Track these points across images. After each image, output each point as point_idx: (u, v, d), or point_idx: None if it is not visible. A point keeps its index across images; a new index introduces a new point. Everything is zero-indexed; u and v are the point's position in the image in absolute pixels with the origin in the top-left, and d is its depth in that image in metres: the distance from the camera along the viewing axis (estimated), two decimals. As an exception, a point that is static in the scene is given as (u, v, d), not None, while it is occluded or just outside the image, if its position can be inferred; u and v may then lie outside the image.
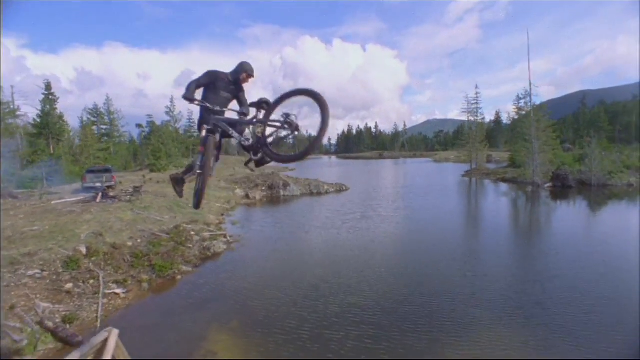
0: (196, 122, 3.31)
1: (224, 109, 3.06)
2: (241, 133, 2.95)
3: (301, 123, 2.75)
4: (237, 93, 3.19)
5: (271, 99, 3.01)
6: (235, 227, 16.36)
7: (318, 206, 22.23)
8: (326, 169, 60.98)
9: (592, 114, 72.86)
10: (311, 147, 2.64)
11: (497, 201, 24.51)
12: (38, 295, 7.71)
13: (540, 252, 12.28)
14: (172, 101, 53.76)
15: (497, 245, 13.15)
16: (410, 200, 23.75)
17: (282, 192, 26.06)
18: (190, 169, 3.28)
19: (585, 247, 12.64)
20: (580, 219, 18.18)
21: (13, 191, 18.84)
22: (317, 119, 2.51)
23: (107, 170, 20.66)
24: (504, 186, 30.91)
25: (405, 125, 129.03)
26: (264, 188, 26.52)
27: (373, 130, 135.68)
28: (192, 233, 13.69)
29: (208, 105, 2.95)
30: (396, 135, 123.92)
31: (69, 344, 6.56)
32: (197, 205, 3.10)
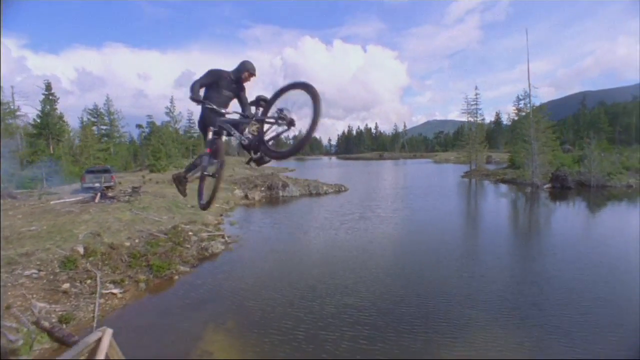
0: (196, 122, 3.31)
1: (227, 109, 3.07)
2: (242, 132, 2.95)
3: (298, 119, 2.70)
4: (239, 92, 3.18)
5: None
6: (234, 228, 16.38)
7: (317, 207, 22.23)
8: (326, 169, 60.98)
9: (592, 115, 72.87)
10: (304, 139, 2.61)
11: (496, 202, 24.52)
12: (34, 295, 7.72)
13: (538, 253, 12.28)
14: (172, 102, 53.89)
15: (495, 246, 13.15)
16: (409, 201, 23.75)
17: (281, 193, 26.08)
18: (192, 167, 3.29)
19: (583, 248, 12.63)
20: (578, 220, 18.17)
21: (12, 191, 18.88)
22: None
23: (106, 171, 20.71)
24: (503, 187, 30.90)
25: (405, 126, 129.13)
26: (263, 189, 26.54)
27: (373, 131, 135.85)
28: (190, 233, 13.71)
29: (215, 107, 2.94)
30: (396, 136, 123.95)
31: (65, 343, 6.57)
32: (205, 206, 3.10)
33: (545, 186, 27.74)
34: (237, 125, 2.98)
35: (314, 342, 6.63)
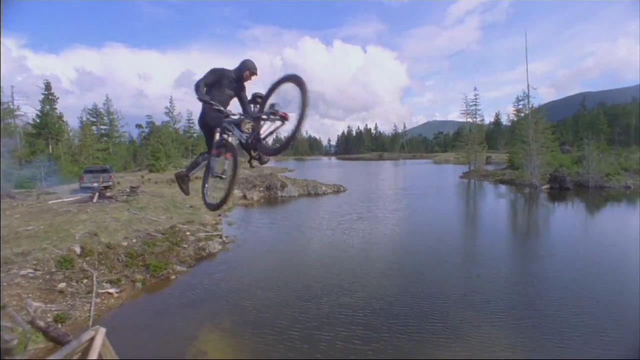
0: (196, 122, 3.31)
1: (227, 108, 3.08)
2: (242, 131, 2.96)
3: (292, 112, 2.71)
4: (239, 91, 3.18)
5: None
6: (232, 228, 16.39)
7: (315, 207, 22.25)
8: (325, 170, 60.99)
9: (591, 116, 72.91)
10: (294, 130, 2.61)
11: (494, 202, 24.55)
12: (30, 295, 7.74)
13: (535, 254, 12.31)
14: (171, 102, 53.93)
15: (492, 246, 13.17)
16: (407, 201, 23.77)
17: (279, 193, 26.10)
18: (194, 165, 3.31)
19: (580, 248, 12.66)
20: (575, 220, 18.20)
21: (10, 191, 18.89)
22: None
23: (104, 171, 20.72)
24: (501, 188, 30.94)
25: (405, 126, 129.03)
26: (261, 189, 26.54)
27: (373, 131, 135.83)
28: (188, 233, 13.73)
29: (222, 108, 2.95)
30: (396, 136, 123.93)
31: (60, 343, 6.57)
32: (217, 207, 3.09)
33: (543, 187, 27.77)
34: (238, 124, 2.99)
35: (308, 341, 6.65)
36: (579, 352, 6.15)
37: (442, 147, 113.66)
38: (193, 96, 2.98)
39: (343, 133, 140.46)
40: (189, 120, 56.94)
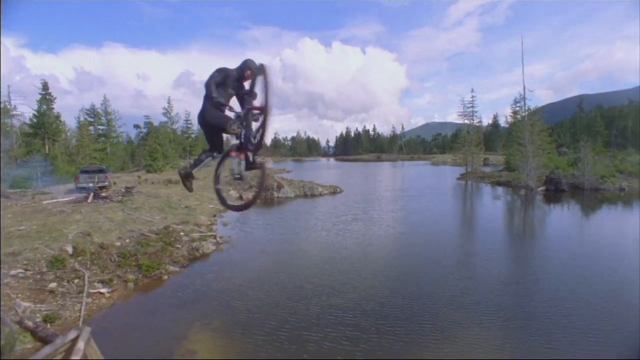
0: (194, 123, 3.33)
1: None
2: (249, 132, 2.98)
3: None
4: (240, 91, 3.18)
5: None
6: (226, 228, 16.40)
7: (310, 208, 22.27)
8: (323, 171, 61.03)
9: (588, 119, 73.17)
10: (264, 115, 2.66)
11: (490, 204, 24.61)
12: (20, 295, 7.72)
13: (529, 255, 12.36)
14: (169, 102, 53.95)
15: (486, 248, 13.19)
16: (403, 202, 23.81)
17: (275, 194, 26.10)
18: (197, 163, 3.32)
19: (575, 249, 12.70)
20: (570, 222, 18.28)
21: (5, 191, 18.85)
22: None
23: (100, 171, 20.70)
24: (498, 189, 31.04)
25: (403, 128, 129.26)
26: (257, 190, 26.50)
27: (371, 132, 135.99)
28: (182, 234, 13.72)
29: (236, 112, 2.97)
30: (394, 138, 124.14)
31: (48, 343, 6.58)
32: (245, 207, 3.14)
33: (539, 189, 27.87)
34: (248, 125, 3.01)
35: (296, 342, 6.66)
36: (566, 353, 6.18)
37: (440, 148, 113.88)
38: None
39: (341, 134, 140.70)
40: (186, 120, 57.04)
